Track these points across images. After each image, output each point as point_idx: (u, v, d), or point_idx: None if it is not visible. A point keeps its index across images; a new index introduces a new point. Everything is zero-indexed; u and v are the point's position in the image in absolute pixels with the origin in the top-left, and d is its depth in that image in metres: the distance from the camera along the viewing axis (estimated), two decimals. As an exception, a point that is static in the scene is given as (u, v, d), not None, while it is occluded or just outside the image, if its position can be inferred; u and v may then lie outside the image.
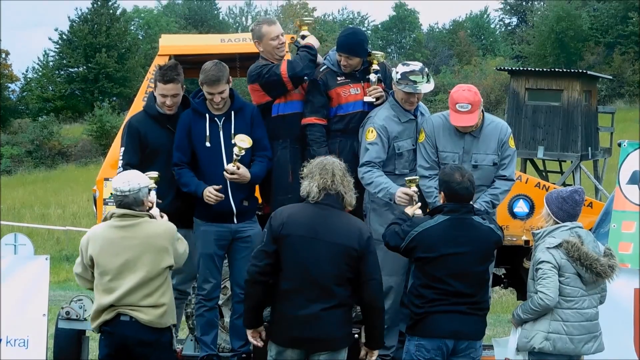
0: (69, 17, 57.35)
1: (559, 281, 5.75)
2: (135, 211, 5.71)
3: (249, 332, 5.66)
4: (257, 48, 6.87)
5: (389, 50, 69.40)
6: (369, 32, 72.72)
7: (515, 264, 7.76)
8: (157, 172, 6.25)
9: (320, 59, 6.97)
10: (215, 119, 6.57)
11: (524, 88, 27.92)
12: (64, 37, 55.88)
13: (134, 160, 6.51)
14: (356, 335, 6.06)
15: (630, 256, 7.25)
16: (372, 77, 6.79)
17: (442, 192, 5.77)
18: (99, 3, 55.51)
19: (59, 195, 32.83)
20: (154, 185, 6.11)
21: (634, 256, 7.25)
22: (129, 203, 5.71)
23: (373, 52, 6.83)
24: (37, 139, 45.96)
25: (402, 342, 6.20)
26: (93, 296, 5.89)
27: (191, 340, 7.51)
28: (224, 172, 6.44)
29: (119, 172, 6.49)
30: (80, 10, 56.13)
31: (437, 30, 75.25)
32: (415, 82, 6.50)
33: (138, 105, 7.42)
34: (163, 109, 6.65)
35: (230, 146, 6.48)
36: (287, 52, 6.98)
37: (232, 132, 6.55)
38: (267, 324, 5.61)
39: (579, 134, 27.24)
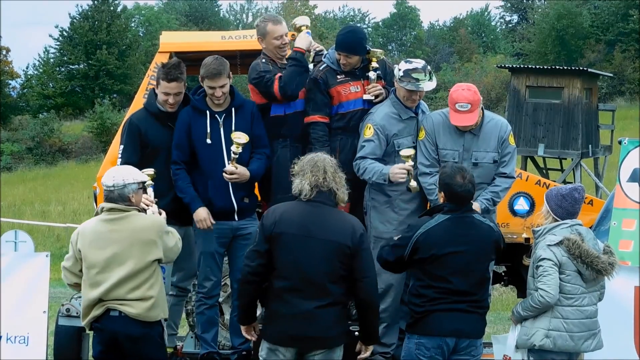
0: (69, 14, 57.42)
1: (560, 279, 5.75)
2: (122, 205, 5.73)
3: (243, 328, 5.67)
4: (260, 44, 6.87)
5: (390, 47, 69.39)
6: (369, 29, 72.73)
7: (515, 261, 7.76)
8: (153, 169, 6.27)
9: (311, 67, 6.95)
10: (216, 115, 6.58)
11: (524, 86, 27.89)
12: (65, 34, 55.85)
13: (133, 159, 6.49)
14: (356, 333, 6.06)
15: (631, 254, 7.25)
16: (372, 74, 6.79)
17: (441, 192, 5.75)
18: (99, 0, 55.50)
19: (59, 193, 32.81)
20: (150, 182, 6.11)
21: (634, 254, 7.25)
22: (114, 198, 5.73)
23: (372, 49, 6.84)
24: (37, 136, 45.95)
25: (402, 340, 6.20)
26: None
27: (191, 337, 7.51)
28: (223, 174, 6.45)
29: None
30: (81, 7, 56.14)
31: (438, 27, 75.21)
32: (417, 79, 6.50)
33: (139, 102, 7.42)
34: (165, 107, 6.65)
35: (230, 143, 6.48)
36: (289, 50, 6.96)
37: (233, 128, 6.55)
38: (261, 324, 5.61)
39: (579, 132, 27.22)
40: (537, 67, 31.09)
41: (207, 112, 6.56)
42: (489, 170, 6.59)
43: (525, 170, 21.34)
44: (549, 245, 5.79)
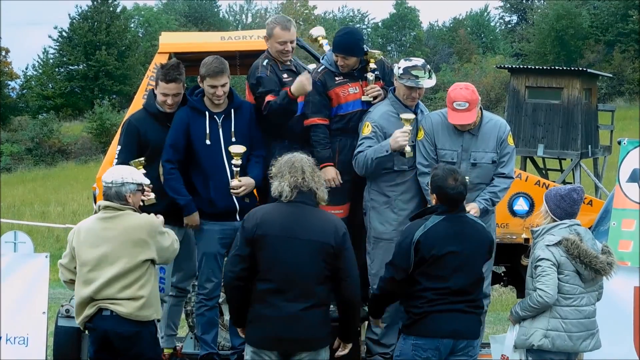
0: (69, 15, 57.43)
1: (558, 279, 5.76)
2: (117, 204, 5.74)
3: (240, 330, 5.63)
4: (265, 42, 6.87)
5: (389, 48, 69.41)
6: (368, 30, 72.78)
7: (515, 262, 7.76)
8: (143, 158, 6.32)
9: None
10: (215, 116, 6.57)
11: (524, 86, 27.91)
12: (64, 34, 55.88)
13: (130, 160, 6.47)
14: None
15: (630, 254, 7.25)
16: (370, 76, 6.79)
17: (434, 194, 5.71)
18: (99, 1, 55.50)
19: (58, 193, 32.81)
20: (142, 170, 6.08)
21: (634, 254, 7.25)
22: (111, 196, 5.76)
23: (370, 50, 6.83)
24: (37, 136, 45.95)
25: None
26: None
27: (191, 338, 7.51)
28: (231, 190, 6.43)
29: None
30: (81, 7, 56.19)
31: (437, 28, 75.25)
32: (417, 76, 6.51)
33: (138, 103, 7.42)
34: (164, 108, 6.65)
35: (229, 144, 6.48)
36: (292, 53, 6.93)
37: (232, 129, 6.56)
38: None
39: (579, 132, 27.24)
40: (537, 67, 31.09)
41: (207, 113, 6.56)
42: (487, 170, 6.59)
43: (525, 170, 21.33)
44: (548, 245, 5.79)
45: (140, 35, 62.69)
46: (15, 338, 6.85)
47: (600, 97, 38.24)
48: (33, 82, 56.90)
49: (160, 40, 8.13)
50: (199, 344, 6.87)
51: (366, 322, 6.93)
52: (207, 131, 6.53)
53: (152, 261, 5.73)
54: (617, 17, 57.37)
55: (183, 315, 7.52)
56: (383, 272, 5.76)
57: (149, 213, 5.88)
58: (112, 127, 41.38)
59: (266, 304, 5.32)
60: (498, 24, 75.03)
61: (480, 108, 6.60)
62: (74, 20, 55.58)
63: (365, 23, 75.26)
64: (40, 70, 57.30)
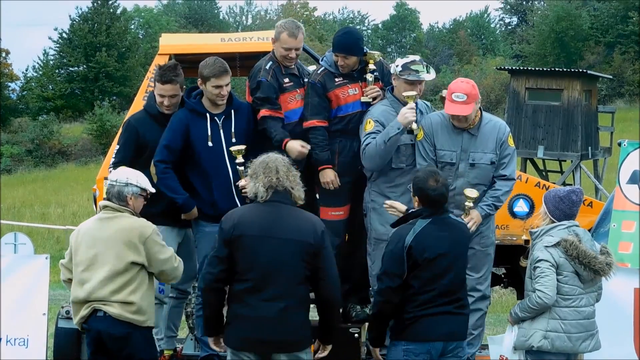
0: (69, 16, 57.42)
1: (557, 280, 5.76)
2: (117, 204, 5.75)
3: (210, 341, 5.56)
4: (270, 43, 6.88)
5: (389, 49, 69.43)
6: (369, 31, 72.77)
7: (515, 263, 7.76)
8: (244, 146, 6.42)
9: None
10: (215, 118, 6.58)
11: (524, 87, 27.92)
12: (64, 36, 55.89)
13: (126, 160, 6.52)
14: (356, 335, 6.05)
15: (630, 256, 7.25)
16: (369, 76, 6.79)
17: (415, 197, 5.70)
18: (99, 2, 55.51)
19: (59, 195, 32.81)
20: (150, 191, 6.06)
21: (634, 256, 7.25)
22: (113, 194, 5.79)
23: (369, 51, 6.84)
24: (37, 138, 45.95)
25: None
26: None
27: (191, 339, 7.50)
28: (242, 191, 6.39)
29: (110, 170, 6.58)
30: (81, 9, 56.20)
31: (437, 29, 75.27)
32: (417, 71, 6.51)
33: (138, 104, 7.42)
34: (162, 109, 6.66)
35: (230, 144, 6.50)
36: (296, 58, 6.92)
37: (233, 130, 6.56)
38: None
39: (579, 134, 27.25)
40: (537, 69, 31.11)
41: (207, 114, 6.56)
42: (486, 171, 6.59)
43: (525, 172, 21.34)
44: (547, 246, 5.79)
45: (141, 36, 62.70)
46: (15, 339, 6.86)
47: (600, 99, 38.25)
48: (33, 84, 56.89)
49: (160, 42, 8.14)
50: (199, 346, 6.87)
51: (366, 324, 6.92)
52: (209, 133, 6.53)
53: (144, 267, 5.69)
54: (617, 18, 57.39)
55: (183, 317, 7.52)
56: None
57: (148, 218, 5.89)
58: (112, 128, 41.38)
59: (244, 304, 5.26)
60: (498, 26, 75.12)
61: (480, 109, 6.60)
62: (74, 22, 55.60)
63: (366, 24, 75.27)
64: (40, 72, 57.29)
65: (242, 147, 6.45)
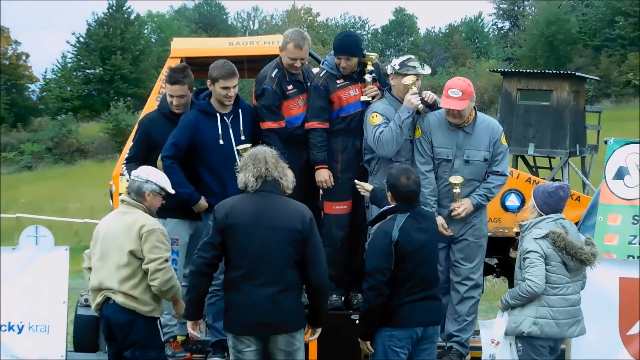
0: (86, 21, 57.44)
1: (546, 269, 5.78)
2: (133, 200, 5.77)
3: (189, 324, 5.54)
4: (274, 48, 6.91)
5: (388, 53, 69.29)
6: (369, 35, 72.65)
7: (506, 254, 7.78)
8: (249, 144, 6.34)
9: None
10: (224, 117, 6.59)
11: (515, 89, 27.86)
12: (81, 40, 55.91)
13: (137, 155, 6.64)
14: (357, 321, 6.06)
15: (616, 247, 7.26)
16: (368, 77, 6.81)
17: (389, 192, 5.76)
18: (114, 8, 55.53)
19: (77, 190, 32.89)
20: (169, 191, 6.04)
21: (619, 247, 7.26)
22: (133, 189, 5.82)
23: (367, 53, 6.86)
24: (56, 136, 46.08)
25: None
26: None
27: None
28: None
29: (123, 165, 6.73)
30: (97, 14, 56.22)
31: (434, 33, 75.14)
32: (414, 67, 6.54)
33: (151, 104, 7.44)
34: (172, 108, 6.69)
35: (239, 142, 6.51)
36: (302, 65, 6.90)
37: (241, 128, 6.58)
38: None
39: (567, 132, 27.20)
40: (528, 71, 31.05)
41: (217, 114, 6.57)
42: (479, 167, 6.60)
43: (516, 168, 21.26)
44: (536, 238, 5.81)
45: (153, 40, 62.68)
46: (37, 326, 6.88)
47: (587, 99, 38.12)
48: (52, 85, 56.96)
49: (172, 46, 8.14)
50: (210, 332, 6.89)
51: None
52: (220, 131, 6.54)
53: (138, 259, 5.64)
54: (604, 23, 57.24)
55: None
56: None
57: (161, 211, 5.92)
58: (127, 127, 41.41)
59: (239, 291, 5.28)
60: (491, 30, 74.89)
61: (475, 108, 6.61)
62: (91, 27, 55.61)
63: (366, 29, 75.17)
64: (59, 74, 57.37)
65: (249, 145, 6.46)
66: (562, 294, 5.83)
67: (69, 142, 46.18)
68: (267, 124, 6.69)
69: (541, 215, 5.92)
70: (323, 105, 6.75)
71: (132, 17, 57.33)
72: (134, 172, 5.90)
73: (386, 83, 6.81)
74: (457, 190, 6.47)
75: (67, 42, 57.42)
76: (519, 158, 28.37)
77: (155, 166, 6.35)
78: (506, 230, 7.66)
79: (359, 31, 70.02)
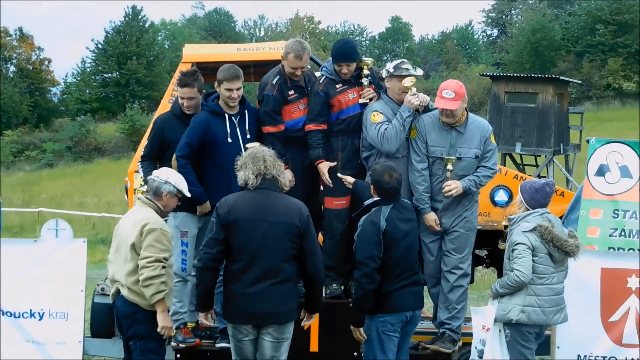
0: (104, 29, 57.45)
1: (533, 260, 5.77)
2: (147, 198, 5.77)
3: (201, 315, 5.53)
4: (278, 54, 6.87)
5: (385, 58, 69.20)
6: (367, 42, 72.58)
7: (496, 246, 7.77)
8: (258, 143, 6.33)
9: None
10: (232, 117, 6.58)
11: (503, 91, 27.84)
12: (100, 46, 55.93)
13: (151, 154, 6.67)
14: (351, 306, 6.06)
15: (597, 239, 7.27)
16: (364, 81, 6.78)
17: (373, 186, 5.83)
18: (130, 17, 55.52)
19: (95, 186, 32.88)
20: (185, 194, 5.95)
21: (600, 239, 7.26)
22: (151, 188, 5.79)
23: (364, 58, 6.83)
24: (75, 136, 46.10)
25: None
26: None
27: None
28: None
29: (139, 163, 6.74)
30: (114, 23, 56.24)
31: (428, 40, 75.09)
32: (407, 69, 6.53)
33: (164, 106, 7.43)
34: (184, 109, 6.68)
35: (246, 141, 6.49)
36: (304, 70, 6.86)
37: (247, 128, 6.58)
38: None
39: (552, 132, 27.18)
40: (515, 75, 31.05)
41: (226, 115, 6.56)
42: (470, 164, 6.58)
43: (504, 166, 21.30)
44: (524, 231, 5.81)
45: (166, 47, 62.69)
46: (57, 313, 6.87)
47: (571, 101, 38.09)
48: (72, 88, 57.02)
49: (183, 52, 8.13)
50: (218, 319, 6.87)
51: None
52: (228, 130, 6.53)
53: (137, 253, 5.59)
54: (585, 30, 57.20)
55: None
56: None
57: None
58: (142, 127, 41.43)
59: (239, 282, 5.26)
60: (481, 37, 74.86)
61: (466, 109, 6.59)
62: (108, 34, 55.64)
63: (364, 36, 75.10)
64: (78, 78, 57.40)
65: (257, 143, 6.43)
66: (548, 283, 5.81)
67: (88, 142, 46.20)
68: (267, 129, 6.67)
69: (528, 209, 5.92)
70: (321, 110, 6.72)
71: (147, 25, 57.38)
72: (155, 172, 5.90)
73: (381, 86, 6.78)
74: (449, 167, 6.43)
75: (87, 48, 57.57)
76: (507, 156, 28.35)
77: (168, 163, 6.36)
78: (495, 224, 7.65)
79: (357, 38, 70.02)
